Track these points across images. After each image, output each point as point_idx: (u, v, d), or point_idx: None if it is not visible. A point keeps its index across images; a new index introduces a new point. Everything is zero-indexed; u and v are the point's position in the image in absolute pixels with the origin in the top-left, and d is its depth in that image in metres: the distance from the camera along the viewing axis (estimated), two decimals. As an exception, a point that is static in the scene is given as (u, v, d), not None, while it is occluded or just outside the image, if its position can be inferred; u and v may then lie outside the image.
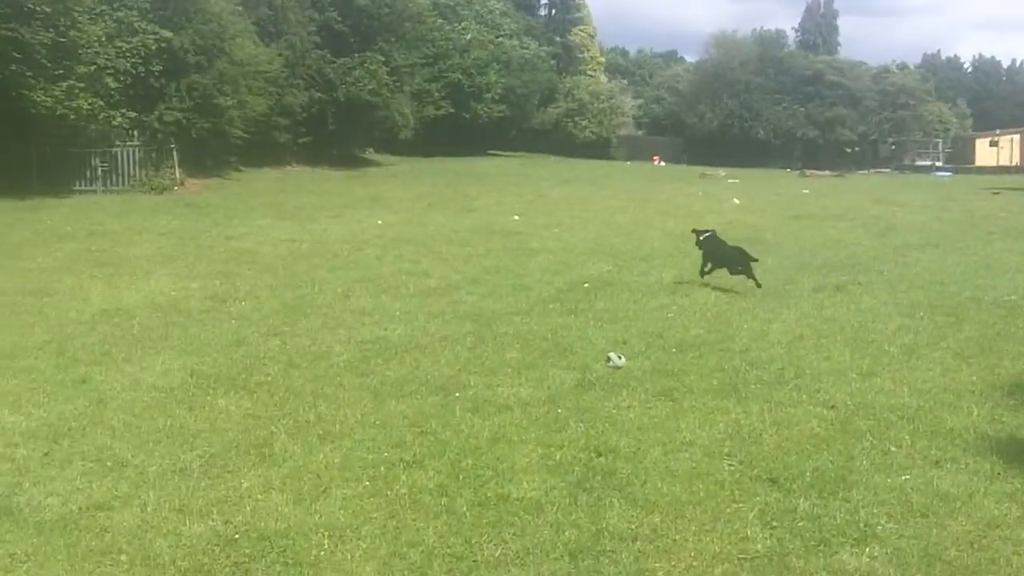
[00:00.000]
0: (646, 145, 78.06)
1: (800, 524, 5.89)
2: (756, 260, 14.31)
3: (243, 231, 20.98)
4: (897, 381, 9.02)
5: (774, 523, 5.91)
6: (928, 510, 6.09)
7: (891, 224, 24.67)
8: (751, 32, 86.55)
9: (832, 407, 8.22)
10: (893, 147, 79.23)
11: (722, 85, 76.82)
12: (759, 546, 5.63)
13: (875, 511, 6.07)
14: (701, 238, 14.78)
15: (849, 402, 8.35)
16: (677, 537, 5.75)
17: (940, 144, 78.98)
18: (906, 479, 6.60)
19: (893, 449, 7.20)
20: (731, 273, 14.23)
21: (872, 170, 69.30)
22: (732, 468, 6.84)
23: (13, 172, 27.40)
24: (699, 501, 6.26)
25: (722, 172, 52.82)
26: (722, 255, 14.40)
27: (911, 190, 41.45)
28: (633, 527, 5.88)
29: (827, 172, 61.30)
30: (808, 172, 59.38)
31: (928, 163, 72.82)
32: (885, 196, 36.41)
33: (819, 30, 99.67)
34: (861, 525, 5.87)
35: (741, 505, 6.19)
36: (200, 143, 34.72)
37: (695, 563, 5.44)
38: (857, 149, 79.32)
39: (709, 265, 14.43)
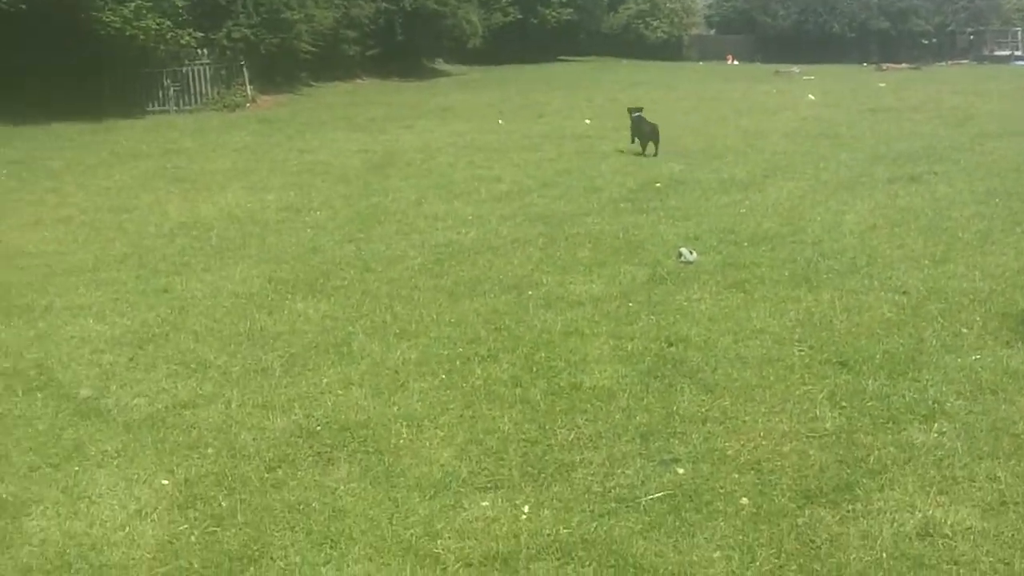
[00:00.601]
0: (718, 45, 76.53)
1: (869, 403, 5.99)
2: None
3: (316, 144, 21.15)
4: (970, 266, 9.01)
5: (843, 403, 6.01)
6: (997, 387, 6.15)
7: (969, 114, 24.17)
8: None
9: (904, 292, 8.26)
10: (971, 37, 76.81)
11: (795, -18, 74.96)
12: (828, 424, 5.74)
13: (944, 389, 6.14)
14: (633, 115, 18.28)
15: (921, 287, 8.37)
16: (747, 418, 5.88)
17: (1019, 33, 76.43)
18: (976, 359, 6.64)
19: (964, 331, 7.24)
20: (643, 143, 17.91)
21: (950, 61, 67.32)
22: (802, 353, 6.93)
23: (87, 95, 27.75)
24: (769, 385, 6.37)
25: (796, 69, 51.74)
26: (644, 131, 17.91)
27: (990, 80, 40.32)
28: (703, 410, 6.01)
29: (904, 65, 59.76)
30: (885, 66, 57.99)
31: (1007, 52, 70.49)
32: (963, 87, 35.55)
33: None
34: (930, 403, 5.95)
35: (811, 387, 6.29)
36: (269, 59, 34.77)
37: (764, 441, 5.57)
38: (934, 40, 77.05)
39: (636, 139, 18.11)
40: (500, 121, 25.30)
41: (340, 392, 6.58)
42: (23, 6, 24.38)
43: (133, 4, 26.82)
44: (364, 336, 7.74)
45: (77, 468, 5.57)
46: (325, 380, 6.79)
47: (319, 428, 5.99)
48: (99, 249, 11.23)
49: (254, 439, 5.88)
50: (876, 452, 5.38)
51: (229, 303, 8.82)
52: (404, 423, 6.01)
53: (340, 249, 10.89)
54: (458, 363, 7.04)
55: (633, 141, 18.26)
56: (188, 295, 9.14)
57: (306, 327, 8.04)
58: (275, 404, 6.40)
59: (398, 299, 8.77)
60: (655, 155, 17.63)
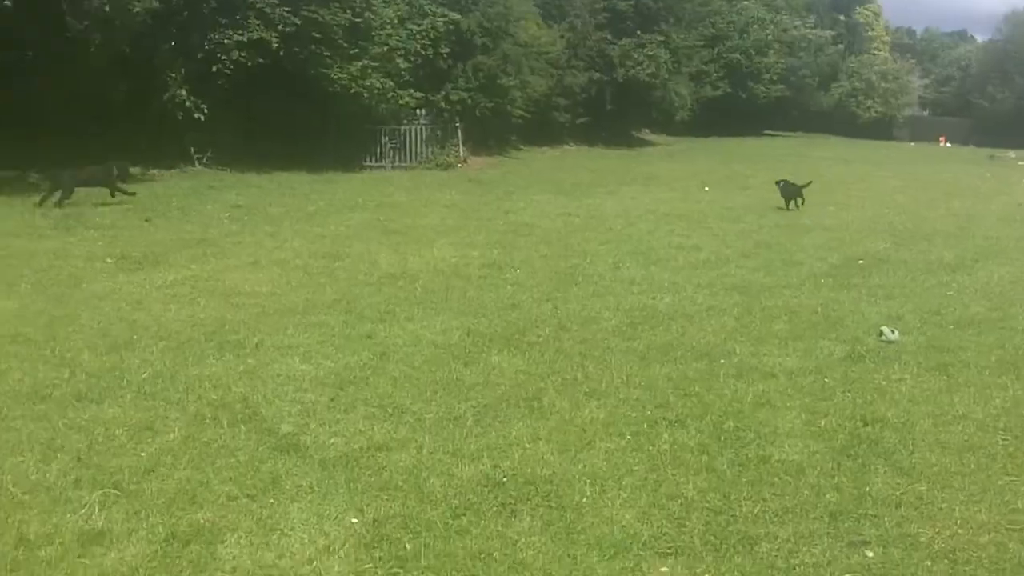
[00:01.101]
0: (931, 126, 74.61)
1: (1075, 499, 5.69)
2: (809, 183, 21.96)
3: (521, 205, 21.52)
4: None
5: (1047, 497, 5.73)
6: None
7: None
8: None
9: (1120, 389, 7.84)
10: None
11: (1014, 66, 72.41)
12: (1030, 517, 5.48)
13: None
14: (780, 184, 21.89)
15: None
16: (943, 505, 5.67)
17: None
18: None
19: None
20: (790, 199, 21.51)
21: None
22: (1006, 442, 6.66)
23: (310, 147, 28.96)
24: (969, 472, 6.13)
25: (1012, 154, 49.88)
26: (791, 191, 21.52)
27: None
28: (897, 493, 5.83)
29: None
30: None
31: None
32: None
33: None
34: None
35: (1014, 478, 6.04)
36: (483, 122, 35.66)
37: (960, 531, 5.35)
38: None
39: (784, 200, 21.47)
40: (706, 188, 25.24)
41: (528, 445, 6.65)
42: (260, 60, 25.74)
43: (360, 63, 28.00)
44: (555, 392, 7.83)
45: (272, 500, 5.80)
46: (514, 433, 6.89)
47: (505, 479, 6.07)
48: (310, 293, 11.67)
49: (442, 485, 6.00)
50: (1080, 551, 5.12)
51: (428, 352, 9.04)
52: (588, 481, 6.03)
53: (537, 307, 11.04)
54: (645, 426, 7.04)
55: (787, 206, 21.36)
56: (390, 342, 9.40)
57: (500, 380, 8.18)
58: (464, 452, 6.52)
59: (590, 359, 8.83)
60: (802, 205, 21.40)
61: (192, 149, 27.19)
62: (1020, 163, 43.68)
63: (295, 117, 28.49)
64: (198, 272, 12.79)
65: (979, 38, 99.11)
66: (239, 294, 11.55)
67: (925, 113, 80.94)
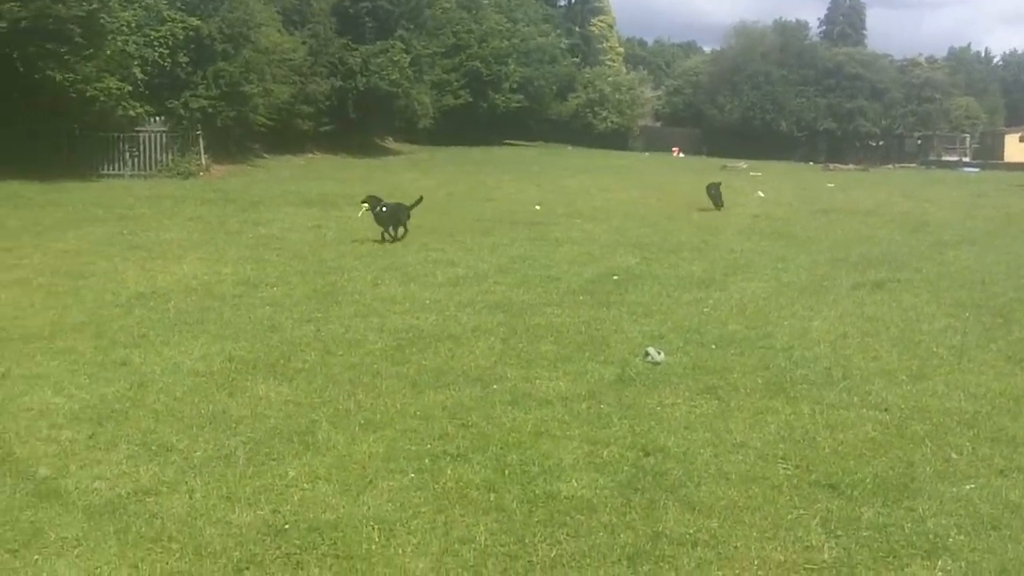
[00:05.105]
0: (664, 136, 77.55)
1: (865, 534, 5.67)
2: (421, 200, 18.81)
3: (269, 217, 20.88)
4: (950, 384, 8.77)
5: (838, 532, 5.69)
6: (999, 522, 5.84)
7: (923, 220, 24.41)
8: (772, 23, 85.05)
9: (885, 410, 8.00)
10: (919, 142, 78.14)
11: (742, 77, 75.93)
12: (825, 555, 5.41)
13: (943, 522, 5.82)
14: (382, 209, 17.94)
15: (902, 405, 8.13)
16: (738, 544, 5.55)
17: (967, 139, 77.86)
18: (971, 488, 6.35)
19: (954, 456, 6.96)
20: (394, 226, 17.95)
21: (897, 165, 68.41)
22: (788, 472, 6.63)
23: (42, 154, 27.41)
24: (757, 506, 6.05)
25: (743, 164, 52.32)
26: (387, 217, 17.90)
27: (939, 186, 41.02)
28: (691, 532, 5.68)
29: (850, 166, 60.86)
30: (832, 166, 59.02)
31: (955, 158, 71.78)
32: (913, 191, 36.10)
33: (846, 21, 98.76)
34: (930, 536, 5.63)
35: (802, 512, 5.97)
36: (225, 130, 34.72)
37: (760, 572, 5.25)
38: (881, 143, 78.51)
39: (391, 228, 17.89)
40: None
41: (307, 486, 6.22)
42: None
43: (95, 63, 26.63)
44: (328, 425, 7.41)
45: (37, 556, 5.23)
46: (291, 472, 6.44)
47: (287, 526, 5.62)
48: (56, 315, 10.85)
49: (220, 535, 5.50)
50: (879, 588, 5.11)
51: (189, 381, 8.46)
52: (375, 525, 5.66)
53: (299, 329, 10.57)
54: (427, 461, 6.71)
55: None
56: (147, 370, 8.78)
57: (268, 412, 7.69)
58: (240, 496, 6.03)
59: (360, 386, 8.44)
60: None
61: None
62: (751, 173, 45.68)
63: (25, 121, 26.81)
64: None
65: (706, 48, 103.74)
66: (-22, 317, 10.59)
67: (658, 124, 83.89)
